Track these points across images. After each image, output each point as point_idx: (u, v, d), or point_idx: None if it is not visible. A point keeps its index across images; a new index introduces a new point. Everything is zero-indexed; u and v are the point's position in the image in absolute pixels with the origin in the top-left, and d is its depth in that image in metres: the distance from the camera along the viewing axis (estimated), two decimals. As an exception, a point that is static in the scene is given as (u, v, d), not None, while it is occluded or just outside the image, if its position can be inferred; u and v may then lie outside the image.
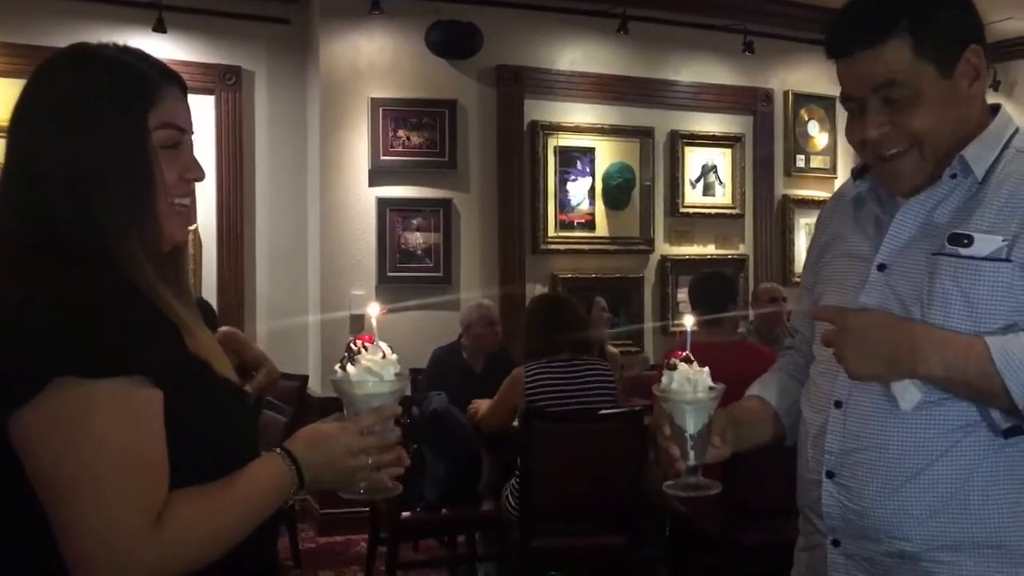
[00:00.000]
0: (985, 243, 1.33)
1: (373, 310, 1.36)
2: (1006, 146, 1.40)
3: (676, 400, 1.43)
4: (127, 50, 1.23)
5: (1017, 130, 1.43)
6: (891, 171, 1.43)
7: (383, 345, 1.32)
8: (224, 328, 4.71)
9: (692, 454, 1.43)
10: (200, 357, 1.18)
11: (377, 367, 1.29)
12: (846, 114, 1.48)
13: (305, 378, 4.89)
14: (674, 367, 1.43)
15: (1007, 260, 1.31)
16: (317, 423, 1.29)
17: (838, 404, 1.43)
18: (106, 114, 1.18)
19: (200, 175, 1.26)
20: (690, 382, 1.42)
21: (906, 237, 1.42)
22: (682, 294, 5.83)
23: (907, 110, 1.37)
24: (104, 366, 1.06)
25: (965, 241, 1.34)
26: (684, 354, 1.44)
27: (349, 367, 1.29)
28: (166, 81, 1.22)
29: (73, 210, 1.14)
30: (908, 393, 1.33)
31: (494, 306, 4.75)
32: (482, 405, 3.85)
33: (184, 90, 1.26)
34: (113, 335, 1.08)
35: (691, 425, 1.43)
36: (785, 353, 1.74)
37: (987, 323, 1.31)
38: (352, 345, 1.30)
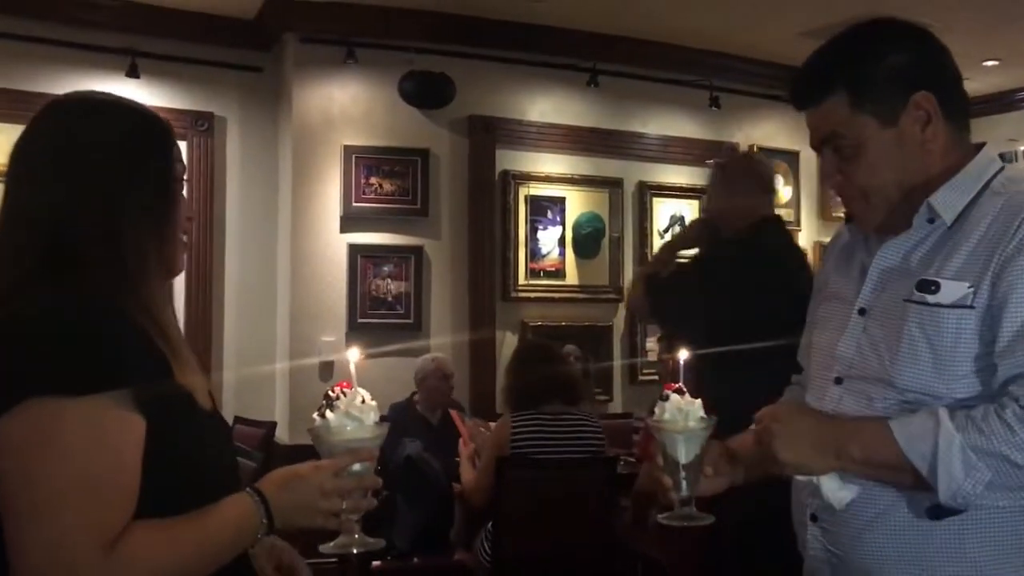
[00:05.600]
0: (951, 290, 1.33)
1: (352, 355, 1.35)
2: (985, 187, 1.39)
3: (668, 430, 1.45)
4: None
5: (1001, 169, 1.42)
6: (853, 212, 1.51)
7: (362, 391, 1.30)
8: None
9: (684, 484, 1.45)
10: (185, 387, 1.18)
11: (356, 412, 1.28)
12: (810, 167, 1.56)
13: (273, 424, 4.84)
14: (667, 398, 1.46)
15: (970, 307, 1.31)
16: (292, 465, 1.28)
17: None
18: (142, 144, 1.24)
19: (191, 214, 1.35)
20: (682, 412, 1.45)
21: (881, 282, 1.43)
22: (650, 343, 5.89)
23: (852, 162, 1.43)
24: (79, 384, 1.07)
25: (932, 288, 1.34)
26: (677, 385, 1.47)
27: (328, 413, 1.28)
28: (168, 124, 1.32)
29: (102, 233, 1.18)
30: (841, 492, 1.36)
31: (449, 359, 4.79)
32: (464, 474, 3.73)
33: None
34: (92, 353, 1.09)
35: (683, 455, 1.45)
36: (790, 388, 1.74)
37: (951, 370, 1.32)
38: (330, 392, 1.29)
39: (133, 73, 4.98)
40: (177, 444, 1.15)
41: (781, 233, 3.05)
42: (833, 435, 1.34)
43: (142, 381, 1.10)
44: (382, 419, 1.33)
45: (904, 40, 1.46)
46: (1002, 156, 6.36)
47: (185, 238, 1.30)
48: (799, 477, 1.35)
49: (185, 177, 1.30)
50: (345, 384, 1.30)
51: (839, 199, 1.53)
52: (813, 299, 1.64)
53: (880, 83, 1.41)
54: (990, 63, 5.97)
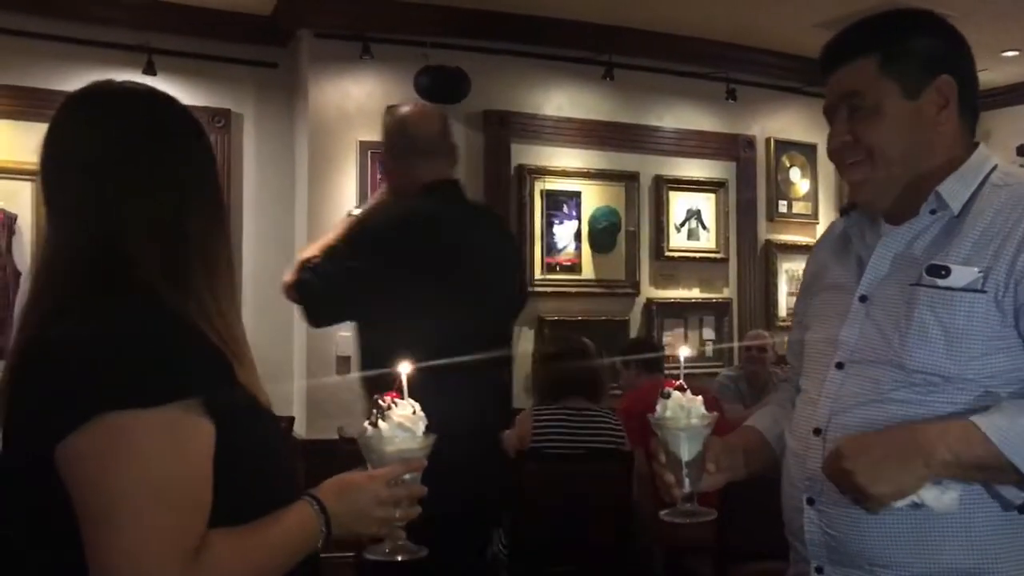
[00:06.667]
0: (962, 274, 1.37)
1: (404, 368, 1.37)
2: (984, 181, 1.45)
3: (671, 427, 1.46)
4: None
5: (996, 166, 1.48)
6: (849, 180, 1.52)
7: (412, 402, 1.33)
8: None
9: (687, 481, 1.46)
10: (248, 388, 1.18)
11: (409, 423, 1.31)
12: (827, 160, 1.57)
13: (291, 420, 4.87)
14: (668, 395, 1.46)
15: (982, 291, 1.35)
16: (344, 473, 1.30)
17: (817, 431, 1.46)
18: (188, 139, 1.23)
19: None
20: (683, 409, 1.45)
21: (885, 268, 1.47)
22: (668, 337, 5.88)
23: (865, 121, 1.46)
24: (151, 395, 1.06)
25: (943, 272, 1.38)
26: (678, 383, 1.47)
27: (381, 423, 1.30)
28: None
29: (159, 234, 1.16)
30: (945, 496, 1.31)
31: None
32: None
33: None
34: (161, 363, 1.08)
35: (686, 452, 1.46)
36: (780, 386, 1.78)
37: (964, 352, 1.35)
38: (380, 402, 1.32)
39: (150, 70, 5.00)
40: (245, 448, 1.14)
41: (444, 199, 2.61)
42: (914, 445, 1.30)
43: (209, 387, 1.10)
44: (427, 429, 1.35)
45: (939, 29, 1.51)
46: (1022, 148, 6.31)
47: None
48: (898, 503, 1.29)
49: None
50: (394, 394, 1.33)
51: (837, 159, 1.53)
52: (805, 293, 1.66)
53: (912, 55, 1.46)
54: (1009, 53, 5.91)
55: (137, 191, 1.16)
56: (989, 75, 5.99)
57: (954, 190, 1.43)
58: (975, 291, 1.36)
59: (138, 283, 1.13)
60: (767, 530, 1.80)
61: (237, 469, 1.12)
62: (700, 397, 1.46)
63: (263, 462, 1.20)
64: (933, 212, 1.44)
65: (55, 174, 1.20)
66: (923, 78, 1.45)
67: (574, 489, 3.34)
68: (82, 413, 1.04)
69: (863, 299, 1.47)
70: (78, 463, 1.05)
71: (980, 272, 1.36)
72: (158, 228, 1.16)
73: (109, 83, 1.27)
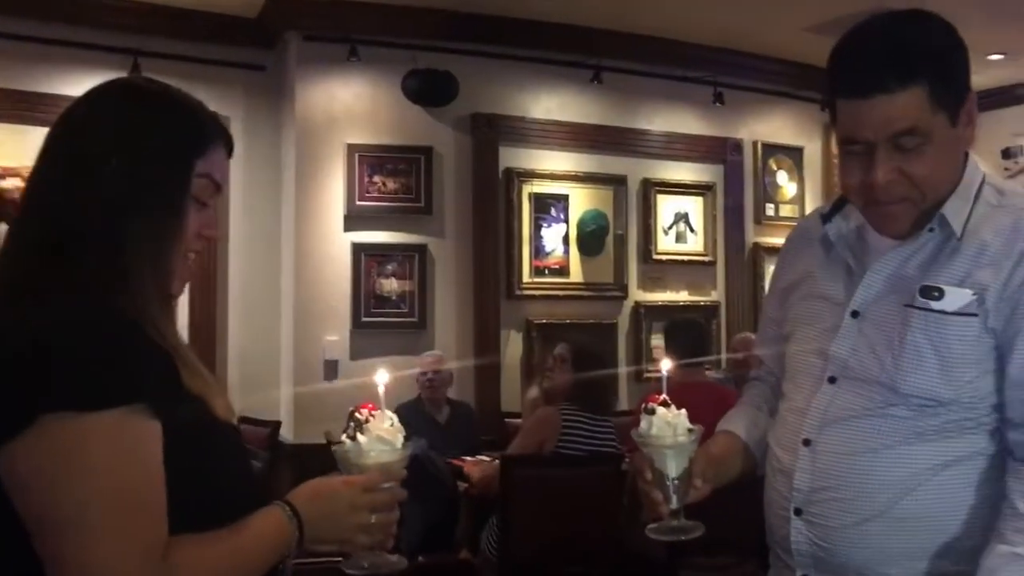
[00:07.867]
0: (955, 297, 1.34)
1: (381, 378, 1.34)
2: (976, 196, 1.40)
3: (657, 445, 1.41)
4: (187, 95, 1.24)
5: (984, 178, 1.43)
6: (887, 213, 1.40)
7: (389, 414, 1.30)
8: None
9: (675, 497, 1.42)
10: (198, 394, 1.14)
11: (388, 436, 1.28)
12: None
13: (277, 424, 4.85)
14: (652, 411, 1.42)
15: (975, 315, 1.33)
16: (321, 478, 1.26)
17: (807, 442, 1.43)
18: (160, 147, 1.17)
19: (217, 235, 1.26)
20: (670, 426, 1.41)
21: (880, 286, 1.42)
22: (656, 340, 5.88)
23: (917, 159, 1.34)
24: (96, 398, 1.02)
25: (936, 294, 1.35)
26: (662, 398, 1.43)
27: (360, 437, 1.27)
28: (219, 135, 1.23)
29: (101, 234, 1.12)
30: None
31: (437, 355, 4.99)
32: (474, 472, 3.81)
33: (230, 151, 1.26)
34: (105, 365, 1.04)
35: (673, 469, 1.42)
36: (751, 384, 1.72)
37: (957, 376, 1.34)
38: (357, 414, 1.28)
39: (135, 73, 4.97)
40: (191, 453, 1.11)
41: None
42: None
43: (156, 391, 1.06)
44: (405, 438, 1.32)
45: (957, 36, 1.39)
46: (1007, 151, 6.34)
47: (193, 256, 1.22)
48: None
49: (207, 200, 1.21)
50: (370, 406, 1.30)
51: (873, 195, 1.39)
52: (784, 295, 1.59)
53: (953, 79, 1.35)
54: (995, 57, 5.94)
55: (98, 188, 1.13)
56: (975, 78, 5.95)
57: (957, 210, 1.38)
58: (967, 315, 1.33)
59: (88, 280, 1.10)
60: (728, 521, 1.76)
61: (186, 474, 1.09)
62: (684, 411, 1.42)
63: (213, 468, 1.16)
64: (931, 231, 1.39)
65: (35, 167, 1.18)
66: (960, 99, 1.35)
67: (564, 493, 3.34)
68: (25, 414, 1.00)
69: (855, 315, 1.43)
70: (27, 475, 1.01)
71: (975, 295, 1.33)
72: (114, 227, 1.13)
73: (111, 81, 1.24)
